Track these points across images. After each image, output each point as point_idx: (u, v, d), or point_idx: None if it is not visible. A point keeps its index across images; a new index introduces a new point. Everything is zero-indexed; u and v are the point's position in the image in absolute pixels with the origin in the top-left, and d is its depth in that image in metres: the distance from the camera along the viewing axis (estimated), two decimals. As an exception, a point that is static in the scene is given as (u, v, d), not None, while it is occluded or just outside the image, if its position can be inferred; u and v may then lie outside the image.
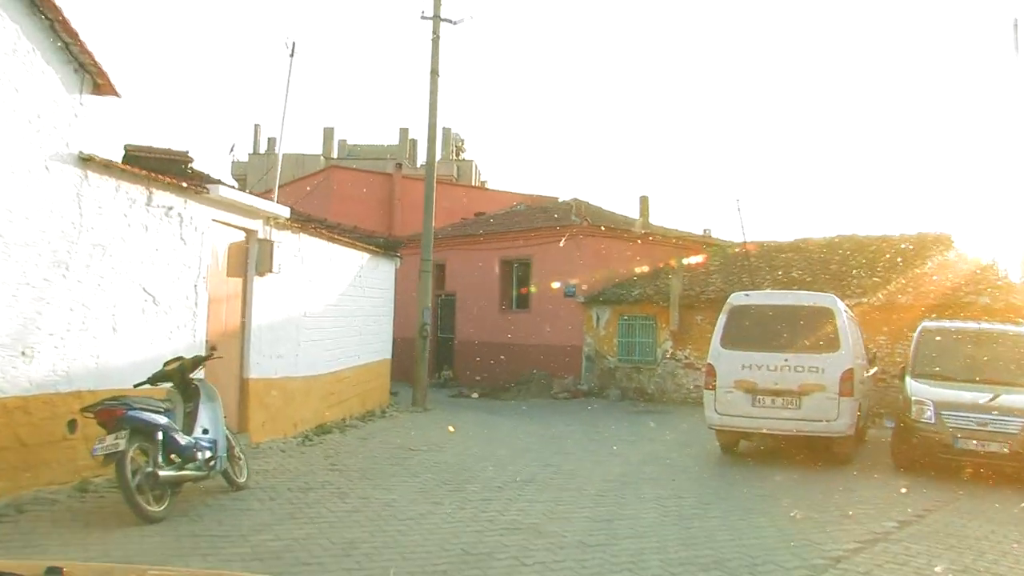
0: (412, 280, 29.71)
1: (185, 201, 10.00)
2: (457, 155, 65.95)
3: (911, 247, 23.18)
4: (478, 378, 27.06)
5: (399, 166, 41.27)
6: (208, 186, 10.37)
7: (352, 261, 15.97)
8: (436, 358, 29.45)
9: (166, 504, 7.42)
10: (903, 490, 10.47)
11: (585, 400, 23.46)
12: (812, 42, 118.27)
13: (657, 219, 30.02)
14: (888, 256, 22.77)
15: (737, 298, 13.16)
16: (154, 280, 9.45)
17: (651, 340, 23.64)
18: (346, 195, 36.70)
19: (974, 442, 11.44)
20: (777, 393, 12.10)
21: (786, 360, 12.12)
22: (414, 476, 10.42)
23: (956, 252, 22.48)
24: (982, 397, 11.79)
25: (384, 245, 18.48)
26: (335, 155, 62.60)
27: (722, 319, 12.90)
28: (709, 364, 12.76)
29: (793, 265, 23.59)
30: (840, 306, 12.54)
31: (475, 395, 20.65)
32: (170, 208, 9.72)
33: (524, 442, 14.31)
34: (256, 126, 69.38)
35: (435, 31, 20.44)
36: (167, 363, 8.46)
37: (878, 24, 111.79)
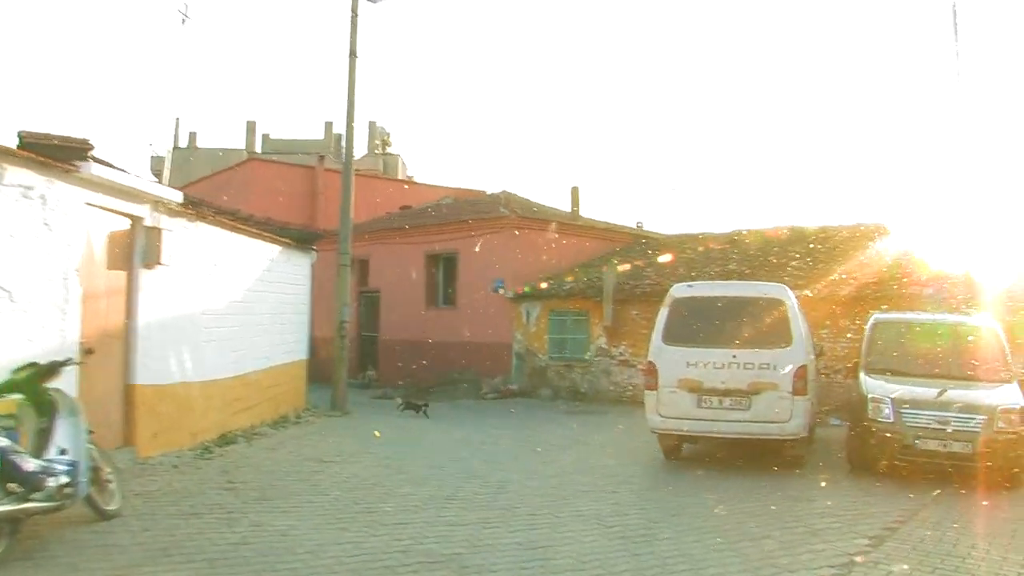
0: (333, 276, 28.32)
1: (49, 181, 8.56)
2: (383, 149, 64.29)
3: (850, 237, 22.56)
4: (400, 383, 25.78)
5: (322, 159, 39.69)
6: (78, 164, 8.89)
7: (260, 253, 14.59)
8: (359, 358, 28.18)
9: (2, 547, 6.05)
10: (867, 499, 9.54)
11: (515, 400, 22.33)
12: (746, 29, 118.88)
13: (589, 212, 29.04)
14: (826, 247, 22.10)
15: (679, 289, 12.12)
16: (8, 272, 8.04)
17: (584, 336, 22.62)
18: (267, 189, 35.14)
19: (935, 442, 10.59)
20: (725, 393, 11.10)
21: (734, 357, 11.13)
22: (321, 494, 9.14)
23: (893, 242, 21.89)
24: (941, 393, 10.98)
25: (298, 237, 17.09)
26: (258, 150, 60.46)
27: (663, 313, 11.85)
28: (650, 362, 11.70)
29: (730, 258, 22.78)
30: (791, 297, 11.58)
31: (399, 400, 19.35)
32: (29, 188, 8.29)
33: (449, 449, 13.11)
34: (176, 120, 66.90)
35: (354, 9, 19.11)
36: (16, 370, 7.08)
37: (816, 11, 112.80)
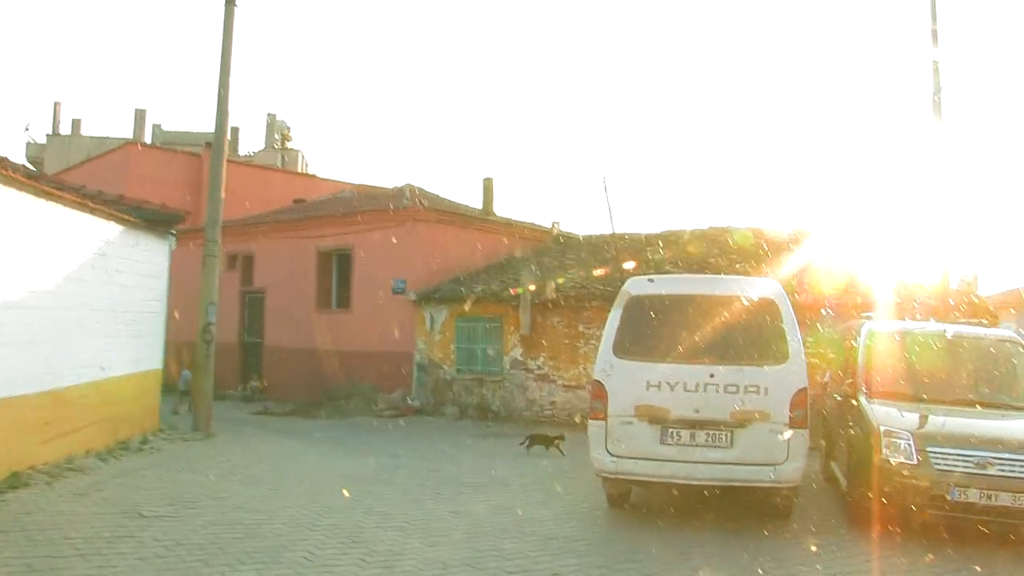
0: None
1: None
2: (282, 144, 60.52)
3: (792, 242, 20.15)
4: (287, 401, 22.55)
5: (209, 145, 36.01)
6: None
7: (88, 232, 11.29)
8: (243, 367, 24.91)
9: None
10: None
11: (416, 420, 19.31)
12: (677, 24, 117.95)
13: (504, 211, 26.15)
14: (768, 251, 19.64)
15: (637, 285, 9.22)
16: None
17: (497, 346, 19.71)
18: (147, 176, 31.61)
19: (976, 492, 7.96)
20: (699, 424, 8.31)
21: (711, 376, 8.35)
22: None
23: (837, 249, 19.58)
24: (976, 425, 8.41)
25: (151, 218, 13.82)
26: (148, 141, 56.06)
27: (615, 316, 8.97)
28: (596, 382, 8.79)
29: (665, 259, 20.15)
30: (785, 297, 8.83)
31: (524, 440, 15.04)
32: None
33: (327, 491, 10.05)
34: (56, 104, 61.67)
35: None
36: None
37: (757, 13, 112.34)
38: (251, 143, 68.08)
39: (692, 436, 8.33)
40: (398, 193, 23.62)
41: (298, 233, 24.15)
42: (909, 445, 8.22)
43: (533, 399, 18.93)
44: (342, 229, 22.91)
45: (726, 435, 8.28)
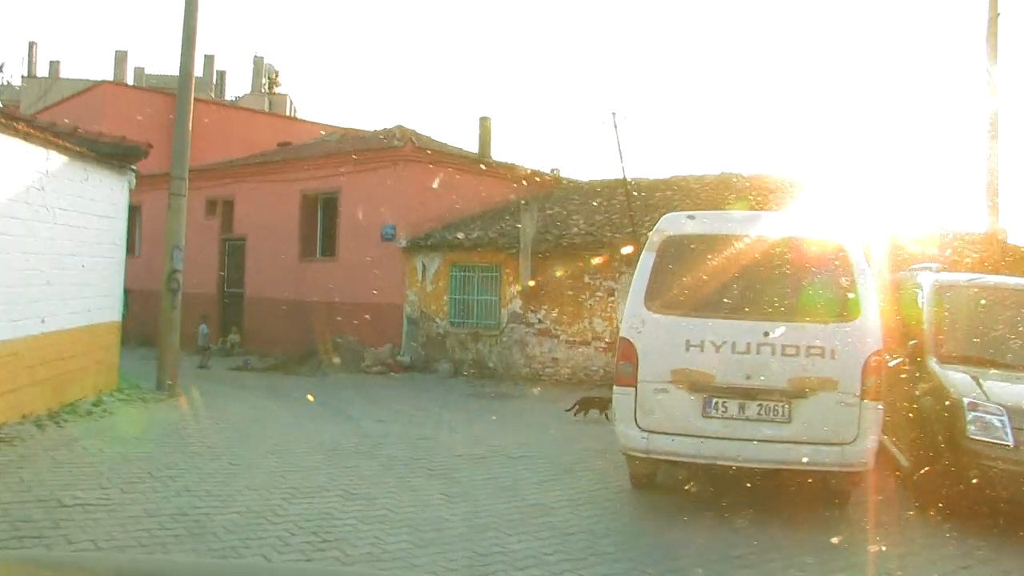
0: (193, 217, 23.28)
1: None
2: (270, 88, 58.54)
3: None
4: (269, 355, 21.05)
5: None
6: None
7: (18, 160, 9.64)
8: (222, 319, 23.33)
9: None
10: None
11: (407, 377, 17.85)
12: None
13: (501, 156, 24.46)
14: (786, 197, 18.06)
15: (674, 222, 7.59)
16: None
17: (494, 298, 18.16)
18: (122, 118, 29.59)
19: (1094, 483, 6.51)
20: (750, 393, 6.81)
21: (766, 334, 6.83)
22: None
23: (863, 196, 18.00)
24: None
25: (107, 151, 12.21)
26: (129, 83, 53.93)
27: (646, 260, 7.38)
28: (623, 341, 7.24)
29: (675, 204, 18.55)
30: (855, 240, 7.25)
31: (572, 404, 12.66)
32: None
33: (299, 465, 8.55)
34: (31, 44, 59.38)
35: None
36: None
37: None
38: (238, 87, 65.87)
39: (741, 408, 6.83)
40: (388, 135, 21.92)
41: (281, 176, 22.47)
42: (1003, 422, 6.74)
43: (533, 356, 17.43)
44: (328, 172, 21.25)
45: (783, 407, 6.78)
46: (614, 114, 15.83)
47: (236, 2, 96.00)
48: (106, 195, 12.10)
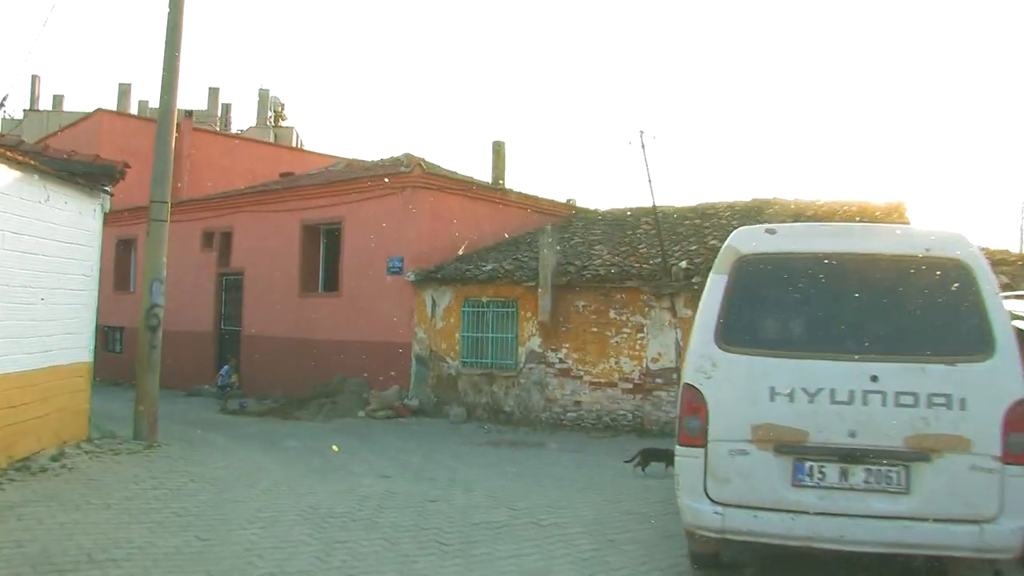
0: (189, 249, 21.91)
1: None
2: (276, 122, 57.35)
3: (858, 214, 17.01)
4: (268, 396, 19.56)
5: (189, 115, 33.01)
6: None
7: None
8: (217, 358, 21.87)
9: None
10: None
11: (416, 421, 16.29)
12: None
13: (515, 184, 23.02)
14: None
15: (750, 239, 5.99)
16: None
17: (510, 336, 16.60)
18: (116, 147, 28.38)
19: None
20: (855, 456, 5.25)
21: (874, 379, 5.27)
22: None
23: (911, 222, 16.43)
24: None
25: (78, 170, 10.80)
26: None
27: (716, 286, 5.79)
28: (689, 388, 5.66)
29: (707, 233, 17.05)
30: (979, 257, 5.69)
31: (634, 458, 10.68)
32: None
33: (283, 537, 6.97)
34: (34, 77, 58.36)
35: None
36: None
37: None
38: (243, 121, 64.83)
39: (844, 474, 5.27)
40: (395, 162, 20.51)
41: (281, 206, 21.08)
42: None
43: (554, 398, 15.85)
44: (331, 200, 19.82)
45: (899, 473, 5.21)
46: (642, 133, 14.34)
47: (242, 34, 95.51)
48: (72, 219, 10.63)
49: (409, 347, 17.93)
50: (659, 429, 14.18)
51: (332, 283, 20.02)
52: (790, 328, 5.63)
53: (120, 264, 25.17)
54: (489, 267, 17.05)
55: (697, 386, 5.56)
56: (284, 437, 13.87)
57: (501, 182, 21.02)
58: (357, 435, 14.42)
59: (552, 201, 22.06)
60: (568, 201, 24.47)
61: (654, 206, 15.91)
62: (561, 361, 15.85)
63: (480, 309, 17.04)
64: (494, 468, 11.20)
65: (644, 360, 14.86)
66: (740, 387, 5.46)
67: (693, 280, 13.86)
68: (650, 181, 16.19)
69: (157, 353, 12.29)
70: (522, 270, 16.52)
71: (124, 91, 54.07)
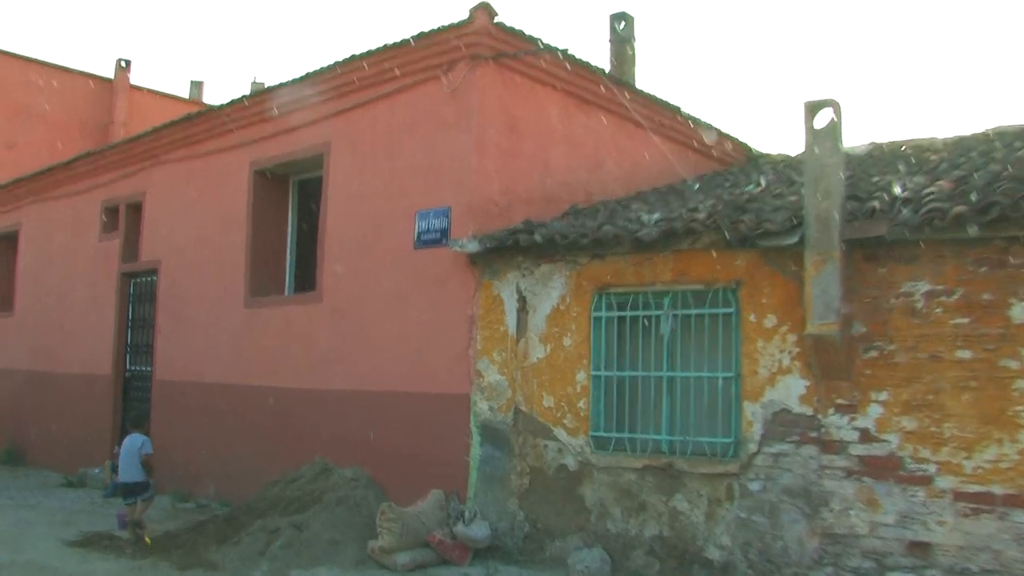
0: (85, 238, 12.54)
1: None
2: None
3: None
4: (190, 497, 9.94)
5: (128, 64, 24.11)
6: None
7: None
8: (121, 420, 12.32)
9: None
10: None
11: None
12: None
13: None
14: None
15: None
16: None
17: (721, 376, 6.80)
18: (21, 106, 19.78)
19: None
20: None
21: None
22: None
23: None
24: None
25: None
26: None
27: None
28: None
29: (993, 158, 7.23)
30: None
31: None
32: None
33: None
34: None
35: None
36: None
37: None
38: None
39: None
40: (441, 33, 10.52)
41: (221, 141, 11.42)
42: None
43: (843, 532, 6.10)
44: (307, 116, 10.13)
45: None
46: None
47: (240, 34, 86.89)
48: None
49: (465, 403, 8.13)
50: None
51: (307, 277, 10.38)
52: None
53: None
54: (658, 217, 7.28)
55: None
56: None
57: (629, 82, 11.18)
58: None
59: (728, 135, 12.16)
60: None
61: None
62: (869, 438, 6.08)
63: (637, 314, 7.31)
64: None
65: None
66: None
67: None
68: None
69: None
70: (743, 218, 6.76)
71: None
